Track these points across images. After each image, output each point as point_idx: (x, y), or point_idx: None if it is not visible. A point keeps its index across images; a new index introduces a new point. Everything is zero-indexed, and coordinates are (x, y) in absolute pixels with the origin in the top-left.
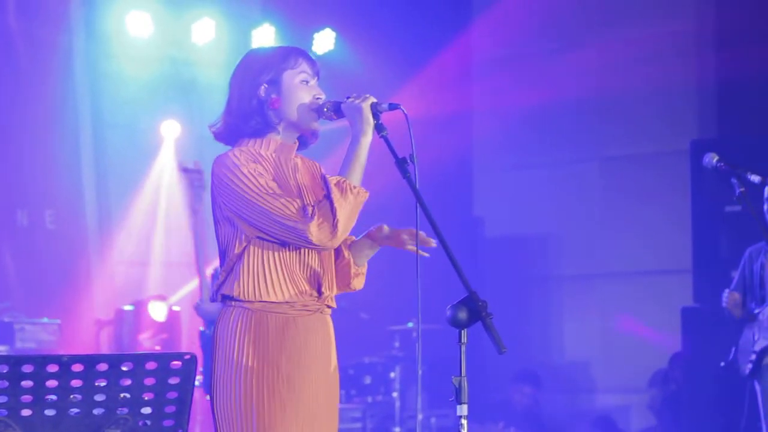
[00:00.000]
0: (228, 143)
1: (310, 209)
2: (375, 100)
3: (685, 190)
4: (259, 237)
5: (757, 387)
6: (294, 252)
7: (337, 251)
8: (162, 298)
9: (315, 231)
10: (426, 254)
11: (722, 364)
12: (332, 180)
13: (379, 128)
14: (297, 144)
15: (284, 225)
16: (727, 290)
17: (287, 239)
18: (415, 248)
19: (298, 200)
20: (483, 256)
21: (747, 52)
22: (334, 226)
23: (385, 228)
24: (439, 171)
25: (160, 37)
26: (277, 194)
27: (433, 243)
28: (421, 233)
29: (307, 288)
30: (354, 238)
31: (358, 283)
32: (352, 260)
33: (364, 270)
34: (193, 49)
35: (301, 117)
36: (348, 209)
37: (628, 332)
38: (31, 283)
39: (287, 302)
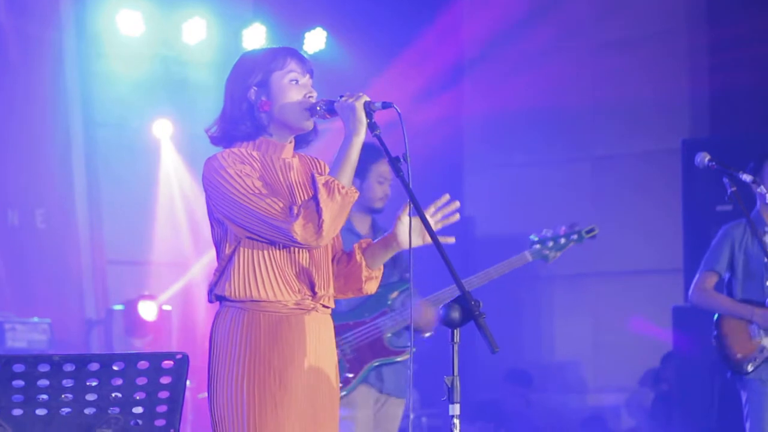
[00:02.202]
0: (225, 147)
1: (296, 209)
2: (368, 99)
3: (676, 189)
4: (249, 238)
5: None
6: (285, 252)
7: (349, 254)
8: (151, 297)
9: (299, 230)
10: (451, 239)
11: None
12: (320, 180)
13: (372, 127)
14: (293, 143)
15: (269, 224)
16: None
17: (274, 238)
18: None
19: (284, 200)
20: (474, 255)
21: (738, 52)
22: (319, 226)
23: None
24: (430, 169)
25: (150, 36)
26: (263, 194)
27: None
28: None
29: (300, 287)
30: (370, 241)
31: (371, 287)
32: (364, 263)
33: (379, 273)
34: (184, 49)
35: (293, 116)
36: (336, 209)
37: (621, 331)
38: (21, 282)
39: (279, 301)
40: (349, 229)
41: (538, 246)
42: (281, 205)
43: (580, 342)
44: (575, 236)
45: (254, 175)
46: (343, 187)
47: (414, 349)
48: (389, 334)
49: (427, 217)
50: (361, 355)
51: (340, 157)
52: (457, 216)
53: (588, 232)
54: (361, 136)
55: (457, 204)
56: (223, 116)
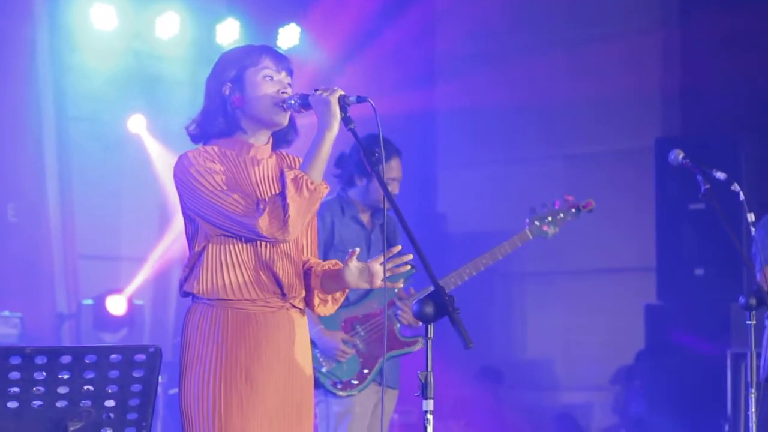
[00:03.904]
0: (203, 144)
1: (262, 204)
2: (343, 93)
3: (649, 187)
4: (220, 235)
5: None
6: (253, 252)
7: (307, 273)
8: (119, 292)
9: (264, 225)
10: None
11: None
12: (289, 175)
13: (346, 121)
14: (270, 141)
15: (235, 220)
16: None
17: (241, 234)
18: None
19: (251, 196)
20: (447, 251)
21: (711, 50)
22: (285, 221)
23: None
24: (404, 166)
25: (124, 31)
26: (230, 191)
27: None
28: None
29: (269, 286)
30: (330, 265)
31: (324, 310)
32: (317, 290)
33: (339, 296)
34: (157, 43)
35: (264, 110)
36: (303, 205)
37: (593, 329)
38: None
39: (246, 299)
40: (353, 217)
41: (537, 223)
42: (248, 201)
43: (552, 339)
44: (573, 210)
45: (222, 172)
46: (312, 182)
47: (423, 341)
48: (398, 325)
49: (377, 265)
50: (374, 349)
51: (311, 151)
52: (409, 267)
53: (585, 206)
54: (333, 130)
55: (409, 256)
56: (201, 113)
